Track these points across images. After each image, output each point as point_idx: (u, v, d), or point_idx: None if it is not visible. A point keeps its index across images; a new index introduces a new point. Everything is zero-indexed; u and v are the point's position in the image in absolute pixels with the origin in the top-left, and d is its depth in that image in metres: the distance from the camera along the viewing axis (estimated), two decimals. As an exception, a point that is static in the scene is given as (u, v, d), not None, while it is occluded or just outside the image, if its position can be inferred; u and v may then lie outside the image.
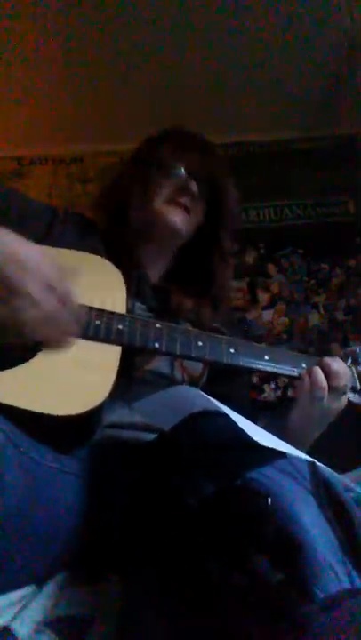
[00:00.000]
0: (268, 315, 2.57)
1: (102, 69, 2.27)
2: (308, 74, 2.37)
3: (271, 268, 2.64)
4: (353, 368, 0.92)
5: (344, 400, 0.87)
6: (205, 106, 2.51)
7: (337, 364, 0.85)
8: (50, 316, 0.65)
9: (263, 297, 2.60)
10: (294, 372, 0.86)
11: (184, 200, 0.96)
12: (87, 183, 2.71)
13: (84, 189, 2.70)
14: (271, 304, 2.59)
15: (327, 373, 0.84)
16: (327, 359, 0.86)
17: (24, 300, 0.62)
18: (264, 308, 2.58)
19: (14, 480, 0.57)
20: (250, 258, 2.61)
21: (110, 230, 0.96)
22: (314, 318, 2.56)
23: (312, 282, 2.62)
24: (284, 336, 2.53)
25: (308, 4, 2.02)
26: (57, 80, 2.32)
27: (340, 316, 2.55)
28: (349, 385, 0.88)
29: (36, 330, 0.64)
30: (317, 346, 2.48)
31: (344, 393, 0.86)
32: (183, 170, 0.96)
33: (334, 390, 0.84)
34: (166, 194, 0.96)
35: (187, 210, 0.97)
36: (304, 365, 0.86)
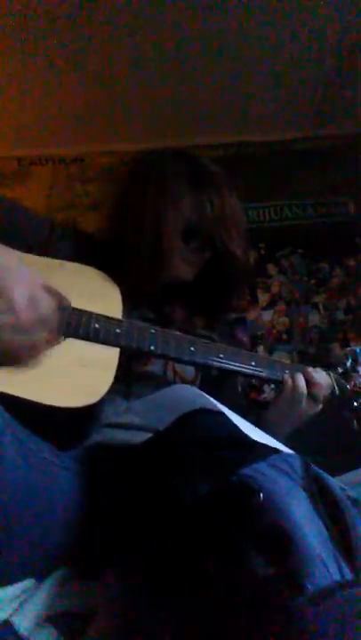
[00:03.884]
0: (268, 315, 2.57)
1: (102, 69, 2.28)
2: (308, 74, 2.38)
3: (271, 268, 2.64)
4: (332, 376, 0.97)
5: (318, 405, 0.93)
6: (206, 106, 2.51)
7: (318, 374, 0.92)
8: (24, 327, 0.63)
9: (263, 297, 2.61)
10: (278, 376, 0.92)
11: (197, 260, 0.96)
12: (87, 183, 2.72)
13: (84, 189, 2.71)
14: (271, 304, 2.59)
15: (308, 380, 0.90)
16: (309, 369, 0.92)
17: (3, 304, 0.62)
18: (264, 308, 2.58)
19: (12, 462, 0.58)
20: (250, 258, 2.62)
21: (113, 252, 0.95)
22: (314, 318, 2.56)
23: (312, 282, 2.62)
24: (284, 336, 2.53)
25: (308, 4, 2.02)
26: (57, 80, 2.32)
27: (340, 315, 2.56)
28: (328, 393, 0.94)
29: (5, 336, 0.63)
30: (317, 346, 2.49)
31: (320, 399, 0.92)
32: (202, 236, 0.94)
33: (312, 396, 0.90)
34: (181, 253, 0.94)
35: (197, 265, 0.97)
36: (287, 372, 0.93)
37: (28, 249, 0.85)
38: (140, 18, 2.03)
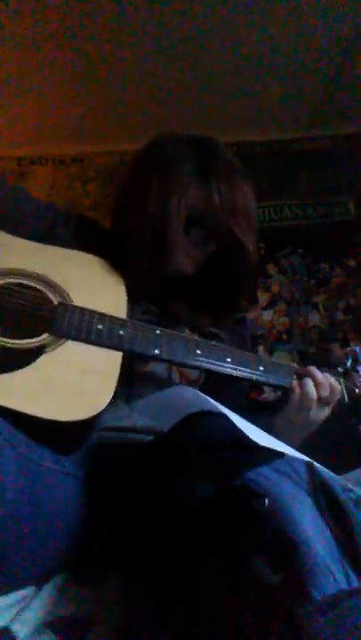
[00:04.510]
0: (268, 315, 2.57)
1: (102, 69, 2.27)
2: (308, 74, 2.37)
3: (271, 268, 2.64)
4: (342, 382, 0.94)
5: (326, 411, 0.89)
6: (205, 106, 2.51)
7: (327, 379, 0.87)
8: None
9: (263, 297, 2.60)
10: (286, 382, 0.87)
11: (199, 253, 0.91)
12: (87, 183, 2.71)
13: (84, 189, 2.71)
14: (271, 304, 2.59)
15: (317, 386, 0.86)
16: (317, 373, 0.87)
17: None
18: (264, 308, 2.58)
19: (12, 481, 0.57)
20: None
21: (117, 242, 0.91)
22: (314, 318, 2.56)
23: (312, 282, 2.62)
24: (285, 336, 2.53)
25: (308, 4, 2.02)
26: (57, 80, 2.32)
27: (340, 315, 2.55)
28: (337, 398, 0.90)
29: None
30: (317, 346, 2.48)
31: (328, 404, 0.88)
32: (206, 227, 0.88)
33: (321, 402, 0.86)
34: (183, 248, 0.88)
35: (200, 259, 0.92)
36: (295, 377, 0.88)
37: (31, 236, 0.83)
38: (140, 17, 2.03)
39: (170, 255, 0.87)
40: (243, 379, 0.85)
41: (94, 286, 0.80)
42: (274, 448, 0.53)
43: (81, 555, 0.69)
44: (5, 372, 0.65)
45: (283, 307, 2.59)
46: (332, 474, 0.54)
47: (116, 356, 0.74)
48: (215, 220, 0.86)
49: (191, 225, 0.87)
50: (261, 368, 0.86)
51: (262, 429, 0.61)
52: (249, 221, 0.88)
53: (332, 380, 0.89)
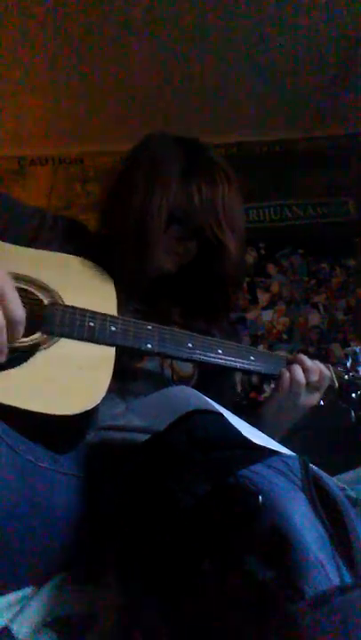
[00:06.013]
0: (268, 315, 2.57)
1: (102, 69, 2.28)
2: (309, 74, 2.38)
3: (271, 268, 2.64)
4: (331, 368, 0.97)
5: (316, 397, 0.92)
6: (205, 106, 2.51)
7: (316, 365, 0.91)
8: None
9: (263, 297, 2.60)
10: (277, 371, 0.91)
11: (181, 250, 0.92)
12: (87, 183, 2.72)
13: (84, 189, 2.71)
14: (271, 304, 2.59)
15: (306, 371, 0.89)
16: (306, 359, 0.91)
17: None
18: (264, 308, 2.58)
19: (9, 481, 0.57)
20: (250, 258, 2.62)
21: (103, 243, 0.93)
22: (314, 318, 2.56)
23: (312, 282, 2.62)
24: (285, 336, 2.53)
25: (308, 4, 2.02)
26: (57, 80, 2.32)
27: (340, 315, 2.55)
28: (327, 384, 0.94)
29: None
30: (317, 346, 2.48)
31: (318, 389, 0.92)
32: (185, 226, 0.90)
33: (310, 387, 0.89)
34: (164, 245, 0.89)
35: (181, 256, 0.93)
36: (285, 364, 0.92)
37: (19, 240, 0.84)
38: (139, 18, 2.03)
39: (151, 250, 0.89)
40: (235, 369, 0.88)
41: (84, 287, 0.82)
42: (268, 446, 0.54)
43: (79, 554, 0.70)
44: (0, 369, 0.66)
45: (283, 307, 2.59)
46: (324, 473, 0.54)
47: (110, 351, 0.75)
48: (195, 217, 0.88)
49: (173, 221, 0.89)
50: (252, 358, 0.89)
51: (252, 424, 0.62)
52: (230, 221, 0.90)
53: (322, 366, 0.92)
